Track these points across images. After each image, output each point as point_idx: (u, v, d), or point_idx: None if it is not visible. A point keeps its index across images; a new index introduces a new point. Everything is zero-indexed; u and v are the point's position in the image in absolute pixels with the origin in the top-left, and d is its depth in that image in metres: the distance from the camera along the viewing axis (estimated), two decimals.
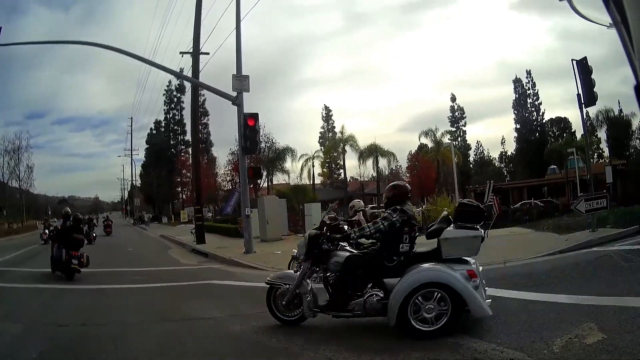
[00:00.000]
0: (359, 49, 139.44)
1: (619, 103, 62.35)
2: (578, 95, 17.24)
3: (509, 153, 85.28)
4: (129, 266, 18.04)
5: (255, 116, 19.33)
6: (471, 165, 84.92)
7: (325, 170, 73.47)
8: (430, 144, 64.20)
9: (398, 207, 7.07)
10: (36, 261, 20.55)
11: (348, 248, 7.49)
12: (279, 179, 60.05)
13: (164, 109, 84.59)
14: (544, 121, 75.38)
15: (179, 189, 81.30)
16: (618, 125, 58.21)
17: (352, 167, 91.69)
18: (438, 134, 62.53)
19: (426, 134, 62.71)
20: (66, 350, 7.04)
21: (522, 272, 10.42)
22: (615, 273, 9.48)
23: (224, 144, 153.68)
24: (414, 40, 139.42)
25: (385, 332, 6.76)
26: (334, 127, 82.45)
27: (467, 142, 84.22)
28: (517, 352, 5.57)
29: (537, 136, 73.71)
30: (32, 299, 11.52)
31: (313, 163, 63.53)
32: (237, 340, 7.18)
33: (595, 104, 18.09)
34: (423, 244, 7.33)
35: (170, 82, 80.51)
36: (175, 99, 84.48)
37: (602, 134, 62.34)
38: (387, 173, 67.39)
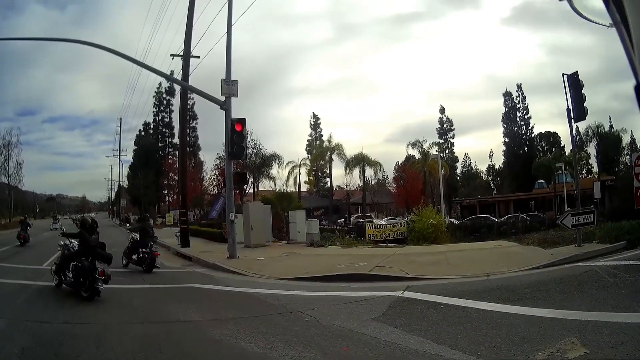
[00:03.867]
0: (348, 59, 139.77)
1: (610, 119, 62.98)
2: (568, 110, 17.26)
3: (496, 166, 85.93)
4: (113, 267, 17.84)
5: (242, 121, 19.23)
6: (458, 178, 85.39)
7: (311, 178, 73.48)
8: (417, 155, 64.37)
9: None
10: (22, 257, 20.34)
11: None
12: (264, 185, 59.86)
13: (153, 111, 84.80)
14: (533, 135, 76.09)
15: (166, 192, 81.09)
16: (608, 140, 58.40)
17: (339, 176, 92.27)
18: (426, 146, 62.69)
19: (414, 145, 62.84)
20: (48, 347, 7.03)
21: (506, 285, 10.40)
22: (600, 288, 9.48)
23: (212, 149, 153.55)
24: (404, 52, 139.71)
25: (361, 341, 6.72)
26: (322, 135, 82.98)
27: (455, 155, 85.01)
28: None
29: (525, 150, 74.20)
30: (16, 295, 11.48)
31: (299, 171, 63.59)
32: (216, 345, 7.12)
33: (585, 119, 18.15)
34: None
35: (160, 84, 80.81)
36: (164, 102, 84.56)
37: (591, 149, 62.73)
38: (373, 183, 67.54)
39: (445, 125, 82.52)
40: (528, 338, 6.46)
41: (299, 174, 63.53)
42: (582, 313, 7.25)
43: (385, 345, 6.64)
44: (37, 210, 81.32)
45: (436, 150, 63.17)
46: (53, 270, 12.67)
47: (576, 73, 16.96)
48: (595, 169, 64.63)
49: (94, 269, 11.20)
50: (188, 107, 49.45)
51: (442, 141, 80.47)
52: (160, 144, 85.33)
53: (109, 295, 12.03)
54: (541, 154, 70.74)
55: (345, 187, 69.51)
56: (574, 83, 16.88)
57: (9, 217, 69.64)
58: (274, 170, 57.66)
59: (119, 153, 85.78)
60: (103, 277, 11.12)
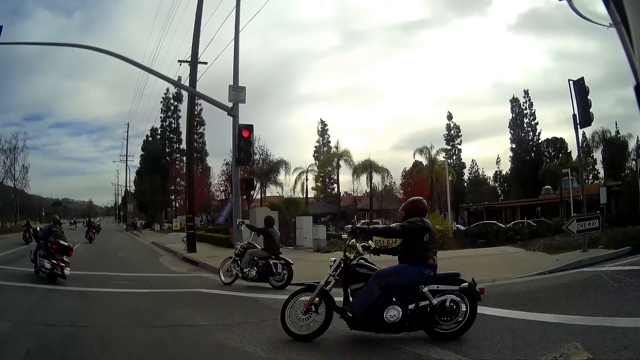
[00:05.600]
0: (355, 66, 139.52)
1: (616, 124, 62.49)
2: (574, 115, 17.26)
3: (503, 172, 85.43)
4: (119, 271, 17.96)
5: (250, 128, 19.29)
6: (465, 184, 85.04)
7: (318, 184, 73.63)
8: (424, 162, 64.26)
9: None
10: (27, 260, 20.43)
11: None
12: (272, 191, 60.18)
13: (161, 117, 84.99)
14: (539, 141, 75.67)
15: (173, 197, 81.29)
16: (614, 146, 57.98)
17: (346, 182, 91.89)
18: (433, 152, 62.58)
19: (421, 151, 62.75)
20: (54, 350, 7.03)
21: (511, 291, 10.42)
22: (604, 293, 9.49)
23: (219, 155, 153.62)
24: (411, 59, 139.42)
25: (365, 346, 6.73)
26: (329, 141, 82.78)
27: (462, 161, 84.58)
28: None
29: (532, 156, 73.84)
30: (21, 298, 11.47)
31: (307, 177, 63.92)
32: (221, 349, 7.14)
33: (590, 125, 18.16)
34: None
35: (168, 90, 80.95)
36: (172, 107, 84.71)
37: (598, 155, 62.38)
38: (380, 189, 67.52)
39: (452, 132, 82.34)
40: (532, 343, 6.47)
41: (306, 180, 63.87)
42: (586, 318, 7.26)
43: (390, 350, 6.67)
44: (43, 214, 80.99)
45: (443, 157, 63.10)
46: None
47: (582, 79, 16.98)
48: (602, 174, 64.33)
49: None
50: (195, 113, 49.62)
51: (449, 147, 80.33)
52: (167, 150, 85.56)
53: (114, 298, 12.13)
54: (548, 160, 70.36)
55: (352, 193, 69.58)
56: (580, 89, 16.90)
57: (15, 221, 69.97)
58: (281, 177, 58.04)
59: (126, 158, 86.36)
60: None
